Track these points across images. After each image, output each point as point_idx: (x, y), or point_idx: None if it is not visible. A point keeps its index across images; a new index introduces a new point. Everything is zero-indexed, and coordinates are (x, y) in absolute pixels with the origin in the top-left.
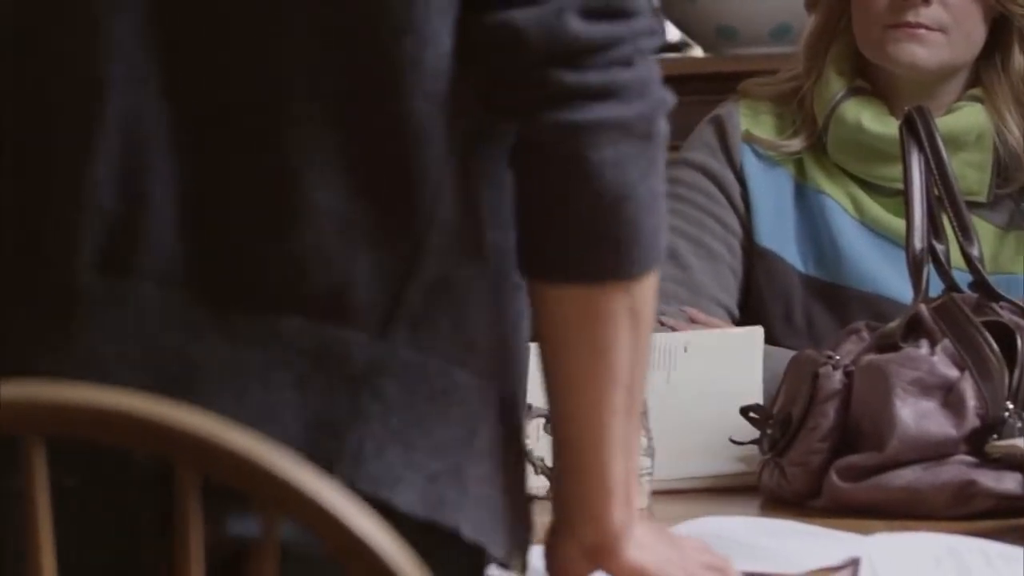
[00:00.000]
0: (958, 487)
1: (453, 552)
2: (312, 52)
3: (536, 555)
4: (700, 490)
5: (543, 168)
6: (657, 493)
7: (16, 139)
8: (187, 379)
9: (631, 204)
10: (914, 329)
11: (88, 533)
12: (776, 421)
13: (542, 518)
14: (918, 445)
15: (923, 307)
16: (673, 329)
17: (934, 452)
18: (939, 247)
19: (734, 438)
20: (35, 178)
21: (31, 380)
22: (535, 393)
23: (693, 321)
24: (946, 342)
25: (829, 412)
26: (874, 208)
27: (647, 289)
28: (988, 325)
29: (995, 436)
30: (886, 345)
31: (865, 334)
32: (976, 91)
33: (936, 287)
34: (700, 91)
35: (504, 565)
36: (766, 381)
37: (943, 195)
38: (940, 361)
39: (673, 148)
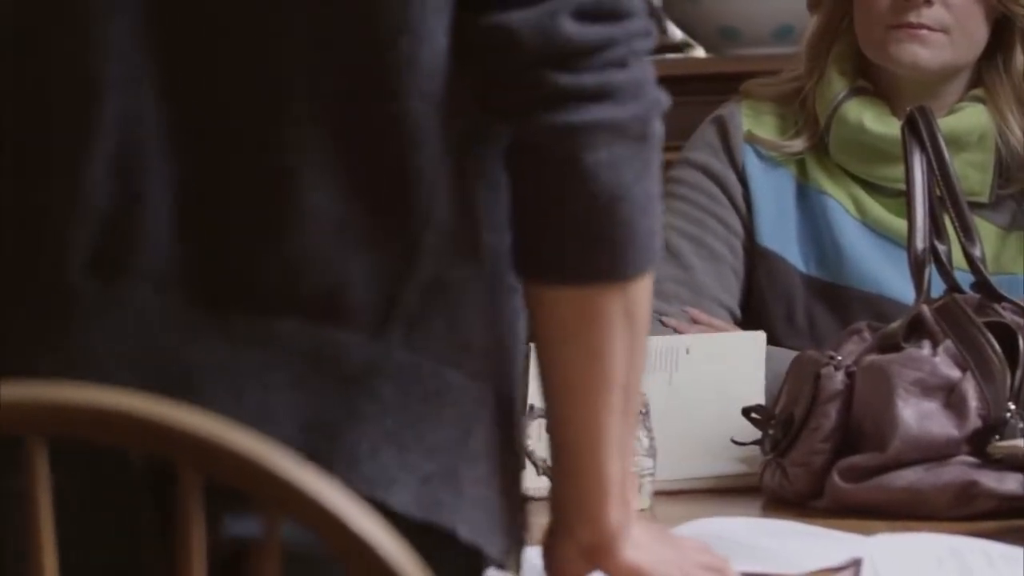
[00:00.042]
0: (960, 488)
1: (450, 553)
2: (310, 52)
3: (536, 554)
4: (702, 491)
5: (538, 169)
6: (659, 494)
7: (15, 139)
8: (186, 379)
9: (626, 205)
10: (916, 330)
11: (88, 533)
12: (778, 422)
13: (541, 519)
14: (920, 446)
15: (925, 308)
16: (675, 330)
17: (936, 453)
18: (941, 247)
19: (736, 439)
20: (34, 178)
21: (32, 380)
22: (537, 394)
23: (695, 322)
24: (948, 343)
25: (831, 413)
26: (876, 208)
27: (643, 290)
28: (990, 326)
29: (997, 437)
30: (888, 346)
31: (867, 335)
32: (978, 91)
33: (938, 288)
34: (702, 91)
35: (501, 566)
36: (768, 381)
37: (945, 195)
38: (942, 362)
39: (675, 148)
